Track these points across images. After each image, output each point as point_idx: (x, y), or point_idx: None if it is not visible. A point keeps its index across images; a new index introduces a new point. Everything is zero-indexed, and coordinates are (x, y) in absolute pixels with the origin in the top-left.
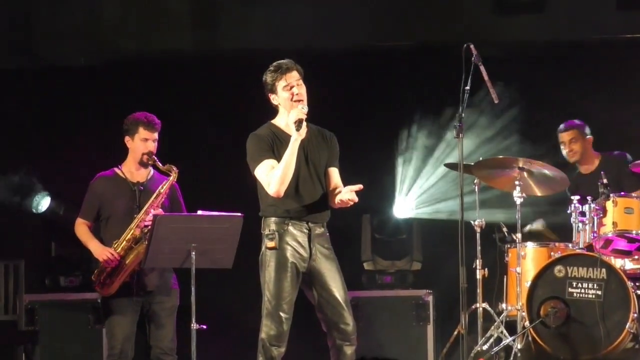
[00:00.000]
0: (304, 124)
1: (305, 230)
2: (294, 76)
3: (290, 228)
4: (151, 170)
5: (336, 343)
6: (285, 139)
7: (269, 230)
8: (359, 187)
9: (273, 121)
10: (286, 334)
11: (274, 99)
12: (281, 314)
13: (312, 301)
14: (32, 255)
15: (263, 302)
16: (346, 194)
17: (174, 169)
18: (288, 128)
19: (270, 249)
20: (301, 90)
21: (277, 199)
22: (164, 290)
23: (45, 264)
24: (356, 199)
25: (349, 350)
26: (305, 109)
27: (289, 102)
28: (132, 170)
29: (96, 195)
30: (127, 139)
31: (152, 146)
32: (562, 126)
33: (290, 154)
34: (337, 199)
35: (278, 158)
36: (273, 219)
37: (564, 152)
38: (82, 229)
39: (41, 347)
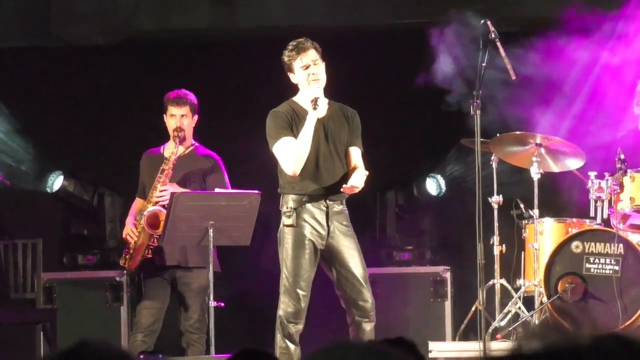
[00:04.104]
0: (325, 101)
1: (324, 208)
2: (310, 55)
3: (308, 205)
4: (191, 147)
5: (355, 320)
6: (304, 116)
7: (287, 208)
8: (366, 173)
9: (294, 98)
10: (304, 311)
11: (293, 77)
12: (299, 291)
13: (331, 278)
14: (50, 234)
15: (281, 279)
16: (352, 180)
17: (178, 146)
18: (308, 105)
19: (288, 226)
20: (318, 69)
21: (295, 176)
22: (188, 267)
23: (63, 242)
24: (360, 186)
25: (368, 326)
26: (321, 89)
27: (306, 81)
28: (170, 147)
29: (141, 171)
30: (164, 117)
31: (180, 122)
32: None
33: (307, 133)
34: (343, 186)
35: (296, 135)
36: (291, 196)
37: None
38: (133, 205)
39: (59, 325)
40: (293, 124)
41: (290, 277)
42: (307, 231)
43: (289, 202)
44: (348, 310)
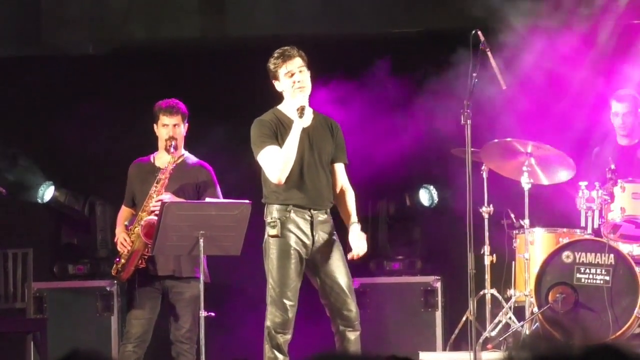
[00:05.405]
0: (310, 110)
1: (308, 218)
2: (295, 63)
3: (293, 215)
4: (182, 157)
5: (339, 329)
6: (289, 124)
7: (271, 218)
8: (364, 236)
9: (278, 107)
10: (291, 321)
11: (278, 85)
12: (285, 301)
13: (316, 287)
14: (41, 244)
15: (267, 290)
16: (358, 249)
17: (175, 155)
18: (293, 114)
19: (273, 236)
20: (303, 77)
21: (280, 185)
22: (181, 277)
23: (53, 252)
24: (365, 250)
25: (353, 335)
26: (306, 97)
27: (291, 89)
28: (161, 157)
29: (129, 180)
30: (154, 126)
31: (173, 131)
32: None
33: (292, 141)
34: (350, 254)
35: (281, 144)
36: (275, 206)
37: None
38: (119, 213)
39: (50, 335)
40: (278, 133)
41: (277, 287)
42: (292, 241)
43: (273, 212)
44: (332, 319)
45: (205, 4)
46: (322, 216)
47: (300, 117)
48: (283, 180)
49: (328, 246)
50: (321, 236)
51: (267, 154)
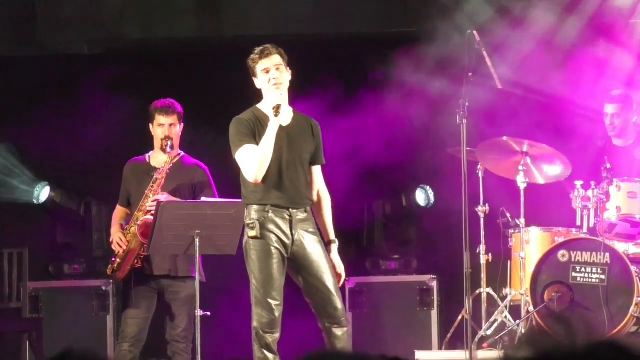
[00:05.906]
0: (289, 110)
1: (287, 217)
2: (273, 60)
3: (272, 215)
4: (178, 157)
5: (326, 326)
6: (268, 123)
7: (250, 219)
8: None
9: (257, 105)
10: (278, 320)
11: (256, 82)
12: (270, 301)
13: (300, 286)
14: (36, 243)
15: (251, 291)
16: (340, 270)
17: (171, 155)
18: (270, 112)
19: (252, 238)
20: (280, 75)
21: (259, 185)
22: (177, 277)
23: (49, 251)
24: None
25: (340, 332)
26: (284, 96)
27: (267, 86)
28: (157, 156)
29: (124, 179)
30: (150, 126)
31: (169, 131)
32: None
33: (268, 139)
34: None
35: (259, 142)
36: (254, 206)
37: None
38: (114, 213)
39: (45, 334)
40: (256, 131)
41: (261, 288)
42: (273, 240)
43: (251, 213)
44: (319, 317)
45: (200, 4)
46: (301, 215)
47: (276, 115)
48: (260, 179)
49: (309, 244)
50: (301, 235)
51: (245, 153)
